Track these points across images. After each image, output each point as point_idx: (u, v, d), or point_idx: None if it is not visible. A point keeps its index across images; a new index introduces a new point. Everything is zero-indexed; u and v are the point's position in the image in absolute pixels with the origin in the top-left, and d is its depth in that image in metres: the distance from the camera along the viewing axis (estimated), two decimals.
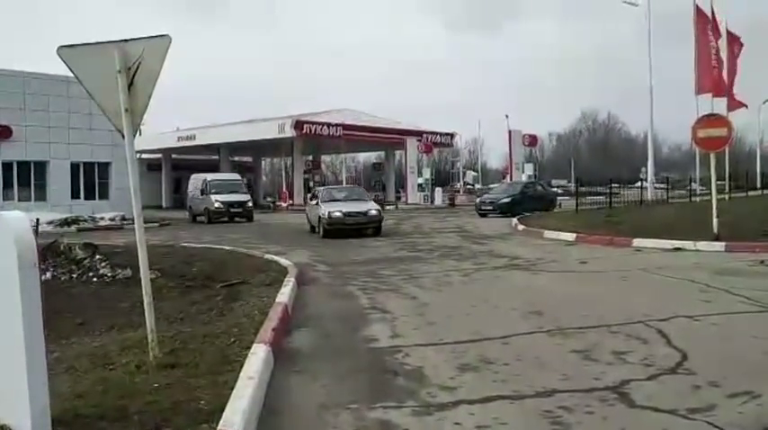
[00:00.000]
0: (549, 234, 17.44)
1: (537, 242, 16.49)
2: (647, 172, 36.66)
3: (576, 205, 25.94)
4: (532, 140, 49.81)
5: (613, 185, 27.96)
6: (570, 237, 16.28)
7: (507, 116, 60.00)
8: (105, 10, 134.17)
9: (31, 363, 3.65)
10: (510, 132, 45.91)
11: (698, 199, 30.69)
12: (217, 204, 30.56)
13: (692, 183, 35.12)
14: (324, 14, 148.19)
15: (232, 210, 30.90)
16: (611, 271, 10.95)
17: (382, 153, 58.93)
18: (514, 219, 22.29)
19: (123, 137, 5.42)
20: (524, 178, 40.10)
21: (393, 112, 75.09)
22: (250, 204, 32.01)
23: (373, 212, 19.66)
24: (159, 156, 55.13)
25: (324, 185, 53.30)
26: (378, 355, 5.94)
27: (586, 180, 38.83)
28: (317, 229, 20.28)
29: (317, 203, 20.53)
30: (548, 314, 7.46)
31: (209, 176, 33.71)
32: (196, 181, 33.40)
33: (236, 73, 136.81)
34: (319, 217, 19.55)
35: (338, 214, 19.08)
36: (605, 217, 20.71)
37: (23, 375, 3.63)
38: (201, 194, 31.75)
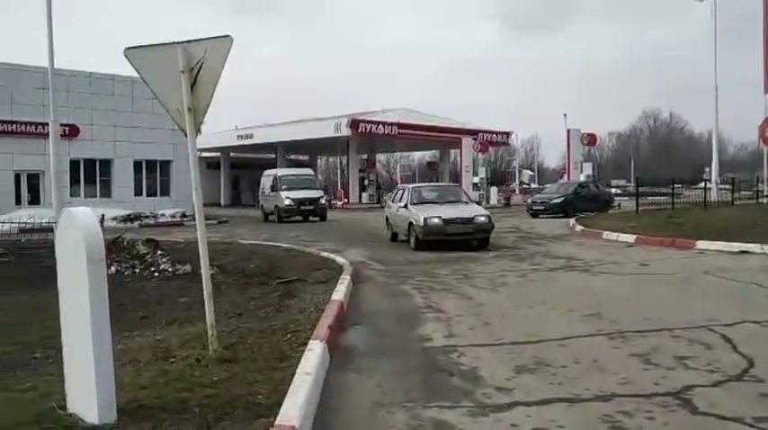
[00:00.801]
0: (607, 235, 17.09)
1: (595, 243, 16.18)
2: (710, 172, 35.56)
3: (637, 206, 25.31)
4: (591, 139, 48.82)
5: (675, 186, 27.18)
6: (630, 238, 15.91)
7: (565, 115, 59.02)
8: (152, 14, 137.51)
9: (98, 355, 3.79)
10: (568, 131, 45.05)
11: (765, 200, 29.53)
12: (287, 202, 28.67)
13: (759, 184, 33.78)
14: (377, 14, 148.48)
15: (303, 207, 28.72)
16: (673, 273, 10.66)
17: (437, 152, 58.76)
18: (572, 220, 21.93)
19: (186, 135, 5.55)
20: (583, 178, 39.29)
21: (448, 112, 74.80)
22: (323, 201, 29.87)
23: (481, 219, 15.46)
24: (218, 154, 56.22)
25: (377, 184, 53.58)
26: (432, 355, 5.94)
27: (647, 180, 37.78)
28: (402, 237, 16.79)
29: (404, 206, 16.47)
30: (606, 316, 7.32)
31: (280, 172, 32.20)
32: (267, 177, 31.81)
33: (289, 72, 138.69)
34: (410, 224, 15.63)
35: (437, 221, 15.02)
36: (667, 218, 20.14)
37: (91, 366, 3.77)
38: (272, 191, 30.15)
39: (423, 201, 16.50)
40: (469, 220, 15.34)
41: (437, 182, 44.33)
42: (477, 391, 4.78)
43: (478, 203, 20.75)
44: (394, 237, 17.61)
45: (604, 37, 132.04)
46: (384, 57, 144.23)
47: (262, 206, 31.77)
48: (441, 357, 5.81)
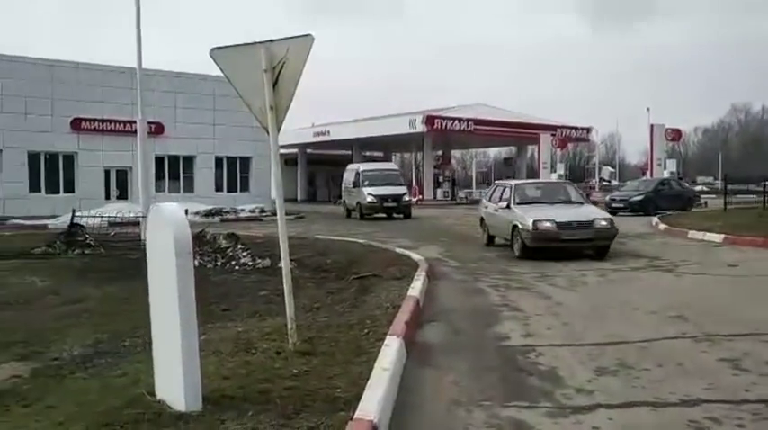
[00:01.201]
0: (693, 234, 16.46)
1: (680, 242, 15.61)
2: None
3: (725, 204, 24.27)
4: (676, 135, 47.05)
5: None
6: (717, 238, 15.27)
7: (648, 109, 56.86)
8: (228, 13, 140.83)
9: (186, 345, 3.94)
10: (651, 126, 43.56)
11: None
12: (369, 198, 27.30)
13: None
14: (454, 10, 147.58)
15: (386, 204, 27.29)
16: (765, 275, 10.17)
17: (513, 148, 57.93)
18: (655, 218, 21.23)
19: (268, 133, 5.68)
20: (666, 174, 37.96)
21: (525, 108, 73.68)
22: (407, 198, 28.42)
23: (602, 223, 13.00)
24: (295, 151, 57.20)
25: (452, 180, 53.14)
26: (510, 354, 5.88)
27: (736, 177, 36.10)
28: (500, 241, 14.93)
29: (506, 206, 14.15)
30: (692, 319, 7.06)
31: (362, 166, 31.03)
32: (350, 172, 30.63)
33: (365, 69, 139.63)
34: (514, 227, 13.31)
35: (548, 225, 12.66)
36: (758, 217, 19.20)
37: (179, 356, 3.92)
38: (354, 187, 29.00)
39: (529, 201, 14.23)
40: (588, 224, 12.89)
41: (514, 178, 42.47)
42: (556, 392, 4.70)
43: (594, 203, 17.36)
44: (490, 240, 15.58)
45: (689, 29, 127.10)
46: (456, 53, 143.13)
47: (344, 202, 30.90)
48: (518, 356, 5.74)
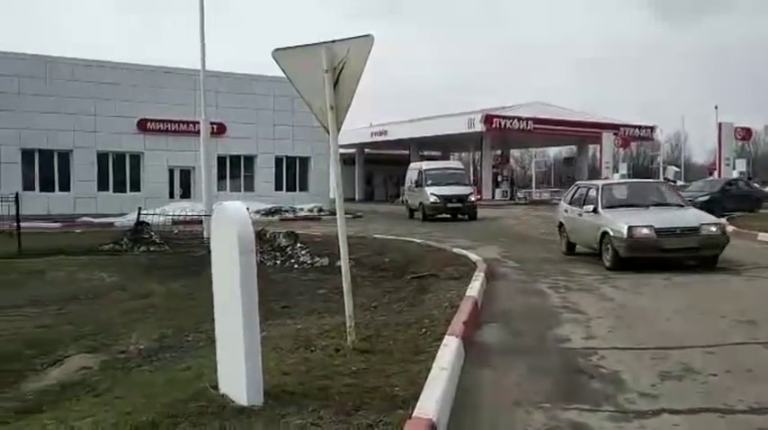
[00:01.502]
0: (763, 236, 15.86)
1: (749, 245, 15.06)
2: None
3: None
4: (746, 133, 45.32)
5: None
6: None
7: (716, 107, 54.98)
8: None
9: (248, 341, 4.02)
10: (720, 125, 42.13)
11: None
12: (432, 198, 25.97)
13: None
14: (510, 9, 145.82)
15: (450, 205, 25.92)
16: None
17: (574, 147, 56.93)
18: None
19: (328, 133, 5.75)
20: (735, 174, 36.67)
21: (588, 107, 72.35)
22: (472, 198, 26.95)
23: (711, 229, 11.32)
24: (353, 150, 57.59)
25: (511, 180, 52.54)
26: (571, 356, 5.78)
27: None
28: (583, 249, 13.29)
29: (593, 210, 12.28)
30: (763, 324, 6.81)
31: (425, 165, 29.53)
32: (412, 171, 29.44)
33: (423, 67, 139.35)
34: (604, 234, 11.60)
35: (646, 232, 11.03)
36: None
37: (241, 351, 4.01)
38: (417, 186, 27.71)
39: (620, 204, 12.52)
40: (693, 231, 11.20)
41: (576, 179, 39.13)
42: (618, 396, 4.60)
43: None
44: (570, 248, 13.81)
45: (762, 25, 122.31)
46: (514, 52, 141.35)
47: (406, 202, 29.93)
48: (579, 359, 5.65)
